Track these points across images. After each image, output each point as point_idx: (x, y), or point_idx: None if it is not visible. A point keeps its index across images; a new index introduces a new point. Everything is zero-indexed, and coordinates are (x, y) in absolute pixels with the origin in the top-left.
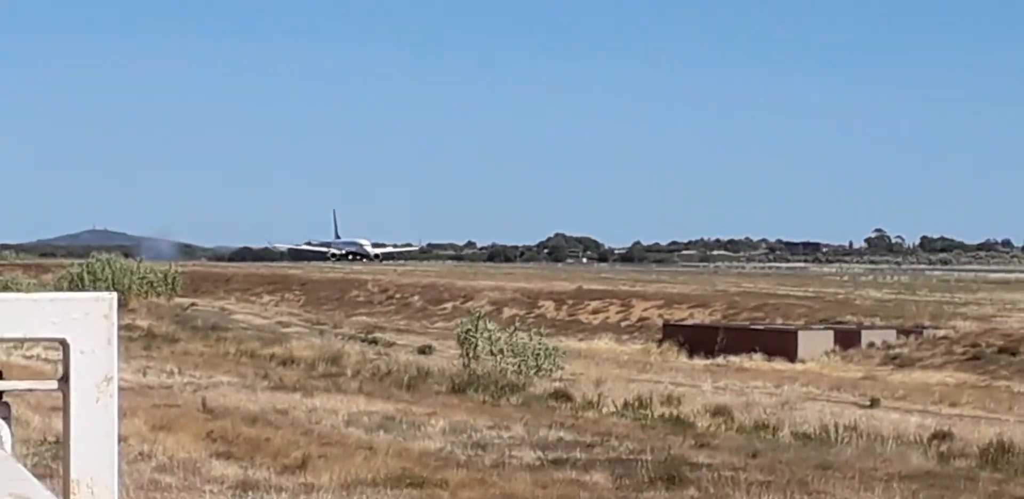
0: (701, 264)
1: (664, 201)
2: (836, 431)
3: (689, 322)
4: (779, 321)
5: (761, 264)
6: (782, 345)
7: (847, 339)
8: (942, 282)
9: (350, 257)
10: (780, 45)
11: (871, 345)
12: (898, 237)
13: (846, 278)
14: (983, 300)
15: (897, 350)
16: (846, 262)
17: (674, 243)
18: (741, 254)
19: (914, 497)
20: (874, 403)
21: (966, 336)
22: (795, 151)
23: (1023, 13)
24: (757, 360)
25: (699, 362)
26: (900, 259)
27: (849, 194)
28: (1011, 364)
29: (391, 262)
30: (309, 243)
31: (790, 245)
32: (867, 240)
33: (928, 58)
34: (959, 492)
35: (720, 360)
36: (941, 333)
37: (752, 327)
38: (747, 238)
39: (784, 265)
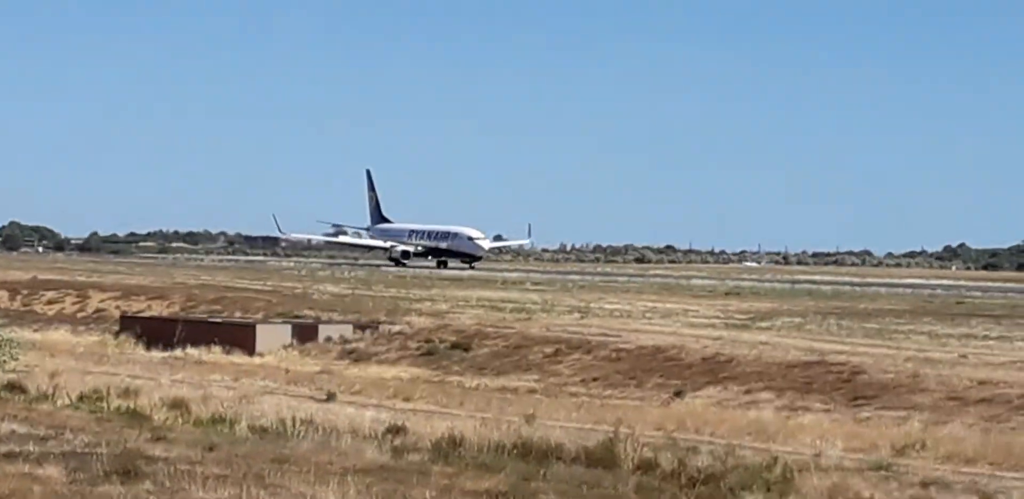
0: (160, 256)
1: (123, 192)
2: (293, 425)
3: (147, 314)
4: (238, 314)
5: (220, 257)
6: (240, 338)
7: (305, 333)
8: (398, 278)
9: (429, 257)
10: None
11: (328, 339)
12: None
13: (304, 273)
14: (437, 296)
15: (353, 345)
16: (305, 257)
17: (132, 234)
18: (200, 246)
19: (368, 491)
20: (330, 397)
21: (420, 332)
22: (228, 147)
23: None
24: (216, 353)
25: (157, 354)
26: (357, 255)
27: (305, 189)
28: (463, 360)
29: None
30: (338, 231)
31: (249, 239)
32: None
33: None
34: (412, 486)
35: (178, 353)
36: (396, 328)
37: (210, 320)
38: (206, 231)
39: (243, 258)
